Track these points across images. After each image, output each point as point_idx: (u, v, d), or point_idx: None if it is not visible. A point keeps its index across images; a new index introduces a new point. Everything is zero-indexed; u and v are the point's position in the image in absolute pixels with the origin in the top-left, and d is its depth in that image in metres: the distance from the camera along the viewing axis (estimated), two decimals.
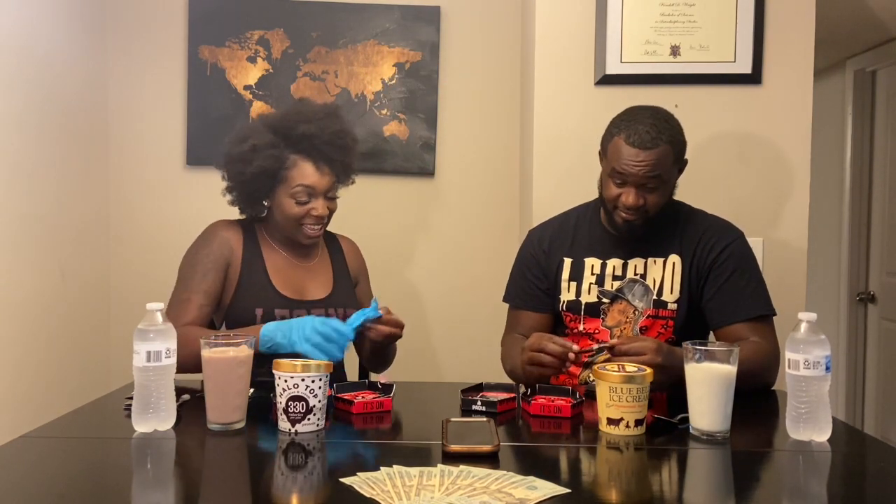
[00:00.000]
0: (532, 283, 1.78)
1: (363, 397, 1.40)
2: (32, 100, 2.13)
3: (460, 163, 2.61)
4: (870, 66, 3.33)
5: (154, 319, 1.24)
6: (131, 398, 1.27)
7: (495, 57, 2.59)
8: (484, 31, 2.59)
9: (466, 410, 1.39)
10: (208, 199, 2.08)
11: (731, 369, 1.24)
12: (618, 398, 1.24)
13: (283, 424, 1.25)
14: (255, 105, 2.55)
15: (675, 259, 1.67)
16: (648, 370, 1.27)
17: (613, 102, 1.81)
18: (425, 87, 2.57)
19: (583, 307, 1.70)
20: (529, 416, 1.37)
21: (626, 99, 1.82)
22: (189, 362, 1.38)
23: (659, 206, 1.61)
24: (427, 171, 2.59)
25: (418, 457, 1.11)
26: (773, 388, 1.60)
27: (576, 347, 1.44)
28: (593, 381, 1.31)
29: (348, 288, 1.84)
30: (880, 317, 3.32)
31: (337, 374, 1.64)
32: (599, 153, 1.69)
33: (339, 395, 1.41)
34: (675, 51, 2.12)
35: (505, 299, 1.84)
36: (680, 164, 1.65)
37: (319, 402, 1.25)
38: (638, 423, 1.25)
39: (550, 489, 0.98)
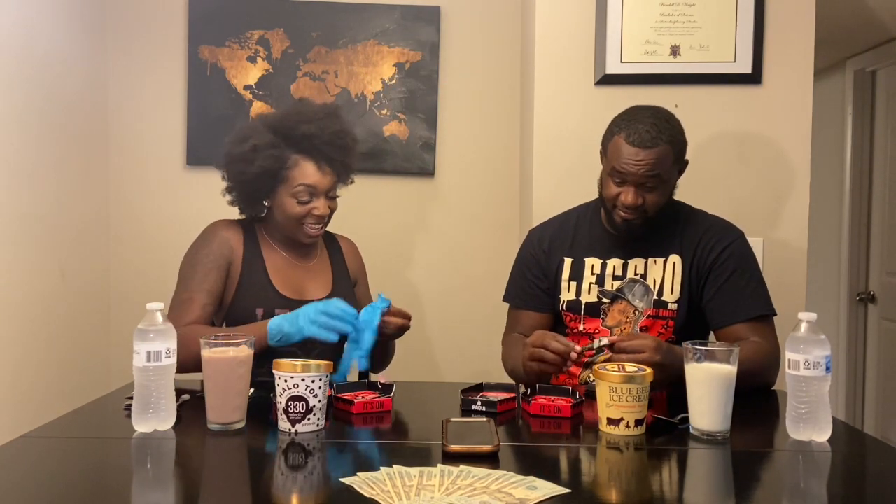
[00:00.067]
0: (532, 283, 1.78)
1: (363, 397, 1.40)
2: (32, 100, 2.13)
3: (460, 163, 2.61)
4: (870, 66, 3.33)
5: (154, 319, 1.24)
6: (131, 398, 1.27)
7: (495, 57, 2.59)
8: (484, 31, 2.59)
9: (466, 410, 1.39)
10: (208, 199, 2.07)
11: (731, 369, 1.24)
12: (618, 398, 1.24)
13: (283, 424, 1.25)
14: (255, 105, 2.55)
15: (675, 259, 1.67)
16: (648, 370, 1.27)
17: (613, 102, 1.81)
18: (425, 87, 2.57)
19: (583, 307, 1.70)
20: (529, 416, 1.37)
21: (626, 99, 1.82)
22: (194, 361, 1.38)
23: (658, 205, 1.61)
24: (427, 171, 2.59)
25: (418, 457, 1.11)
26: (773, 388, 1.60)
27: (578, 347, 1.43)
28: (593, 381, 1.31)
29: (348, 288, 1.84)
30: (880, 317, 3.31)
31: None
32: (600, 152, 1.69)
33: (339, 395, 1.41)
34: (675, 51, 2.12)
35: (505, 299, 1.84)
36: (680, 164, 1.65)
37: (319, 402, 1.25)
38: (638, 423, 1.25)
39: (550, 489, 0.98)
